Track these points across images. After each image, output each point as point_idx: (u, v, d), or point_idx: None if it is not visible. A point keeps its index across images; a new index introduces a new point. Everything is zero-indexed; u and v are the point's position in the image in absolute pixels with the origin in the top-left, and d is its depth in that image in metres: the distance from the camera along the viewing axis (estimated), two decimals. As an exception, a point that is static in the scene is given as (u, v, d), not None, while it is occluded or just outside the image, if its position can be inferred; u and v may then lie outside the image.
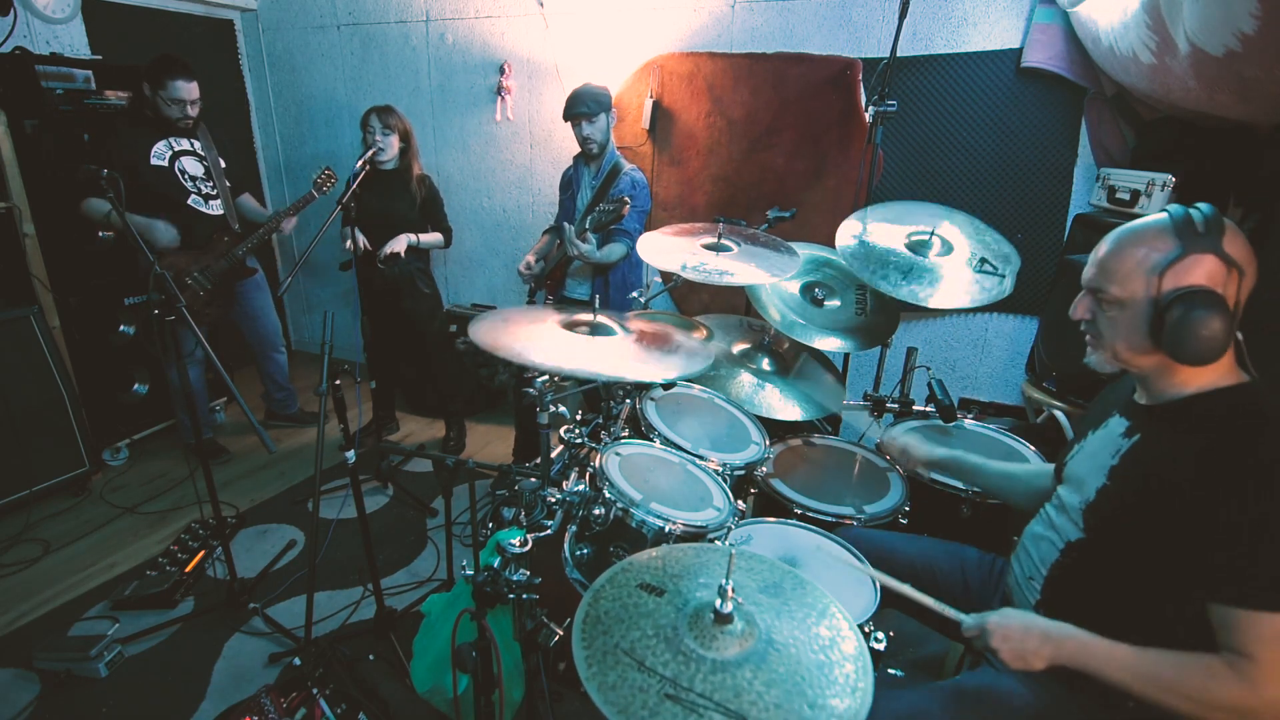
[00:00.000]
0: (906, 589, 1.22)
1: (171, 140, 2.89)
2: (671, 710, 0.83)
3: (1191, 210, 1.04)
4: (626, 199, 2.50)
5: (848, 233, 2.16)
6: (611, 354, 1.49)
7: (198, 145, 2.97)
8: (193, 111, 2.87)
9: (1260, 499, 0.94)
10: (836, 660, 0.92)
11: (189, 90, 2.81)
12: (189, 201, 2.92)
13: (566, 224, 2.64)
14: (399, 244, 3.00)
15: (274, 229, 3.05)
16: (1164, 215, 1.06)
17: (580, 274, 2.84)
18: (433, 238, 3.15)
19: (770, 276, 1.89)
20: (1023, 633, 1.10)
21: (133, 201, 2.76)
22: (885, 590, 1.33)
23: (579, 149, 2.81)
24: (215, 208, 3.02)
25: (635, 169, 2.80)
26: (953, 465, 1.61)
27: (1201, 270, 1.01)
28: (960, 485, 1.77)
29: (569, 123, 2.72)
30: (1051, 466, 1.52)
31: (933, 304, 1.96)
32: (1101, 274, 1.10)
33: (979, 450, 1.96)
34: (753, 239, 2.11)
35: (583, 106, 2.64)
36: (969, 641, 1.19)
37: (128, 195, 2.74)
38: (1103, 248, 1.12)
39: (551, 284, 2.89)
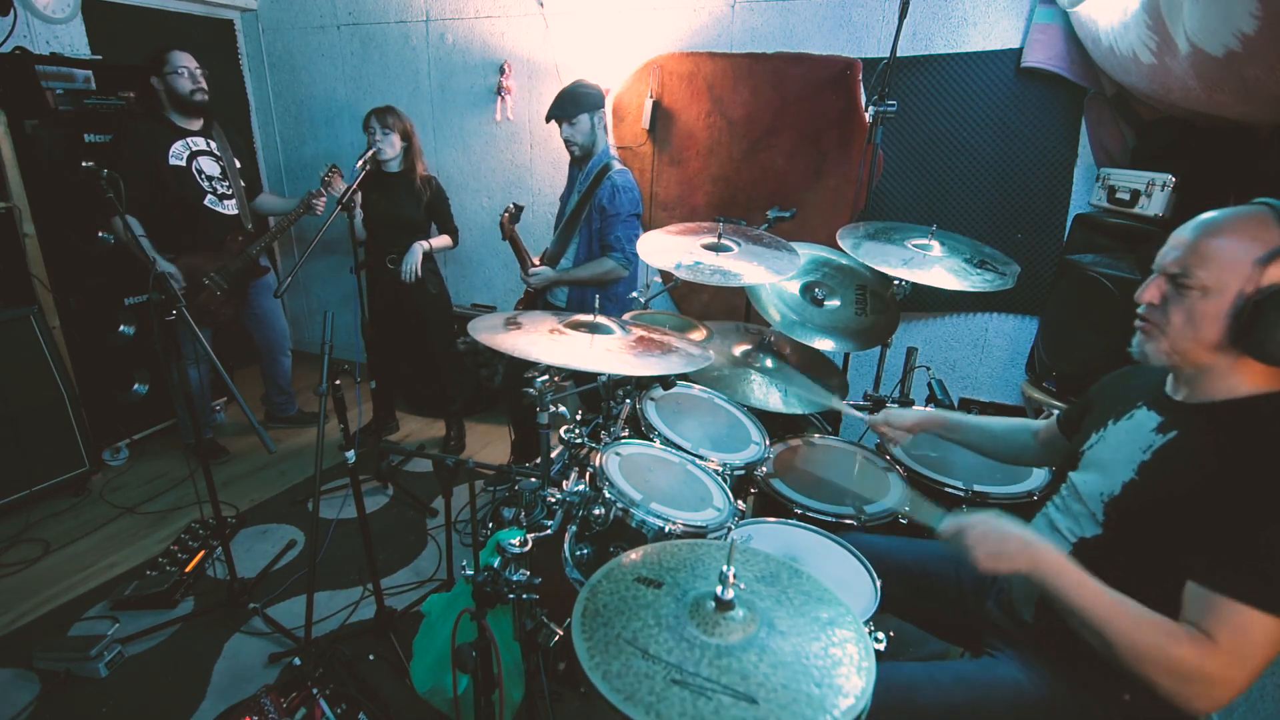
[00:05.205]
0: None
1: (189, 140, 2.90)
2: (679, 695, 0.82)
3: None
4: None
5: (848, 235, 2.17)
6: (607, 355, 1.49)
7: (214, 145, 2.98)
8: (203, 82, 2.86)
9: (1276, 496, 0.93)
10: (839, 641, 0.92)
11: (188, 58, 2.81)
12: (205, 202, 2.93)
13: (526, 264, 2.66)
14: (416, 256, 3.00)
15: (289, 224, 3.05)
16: (1261, 207, 1.02)
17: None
18: (442, 241, 3.17)
19: (772, 276, 1.89)
20: (1003, 534, 1.09)
21: (153, 202, 2.77)
22: (886, 591, 1.33)
23: None
24: (230, 208, 3.03)
25: (623, 172, 2.63)
26: (932, 423, 1.63)
27: None
28: (960, 485, 1.77)
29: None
30: (1035, 424, 1.53)
31: (928, 282, 1.95)
32: (1192, 257, 1.03)
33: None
34: (756, 239, 2.11)
35: (556, 109, 2.57)
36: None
37: (149, 196, 2.76)
38: (1191, 231, 1.06)
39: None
